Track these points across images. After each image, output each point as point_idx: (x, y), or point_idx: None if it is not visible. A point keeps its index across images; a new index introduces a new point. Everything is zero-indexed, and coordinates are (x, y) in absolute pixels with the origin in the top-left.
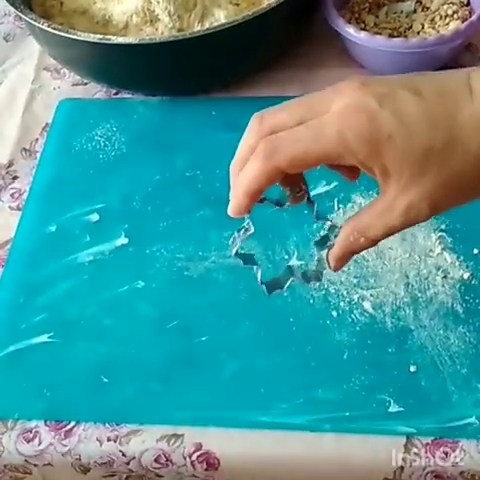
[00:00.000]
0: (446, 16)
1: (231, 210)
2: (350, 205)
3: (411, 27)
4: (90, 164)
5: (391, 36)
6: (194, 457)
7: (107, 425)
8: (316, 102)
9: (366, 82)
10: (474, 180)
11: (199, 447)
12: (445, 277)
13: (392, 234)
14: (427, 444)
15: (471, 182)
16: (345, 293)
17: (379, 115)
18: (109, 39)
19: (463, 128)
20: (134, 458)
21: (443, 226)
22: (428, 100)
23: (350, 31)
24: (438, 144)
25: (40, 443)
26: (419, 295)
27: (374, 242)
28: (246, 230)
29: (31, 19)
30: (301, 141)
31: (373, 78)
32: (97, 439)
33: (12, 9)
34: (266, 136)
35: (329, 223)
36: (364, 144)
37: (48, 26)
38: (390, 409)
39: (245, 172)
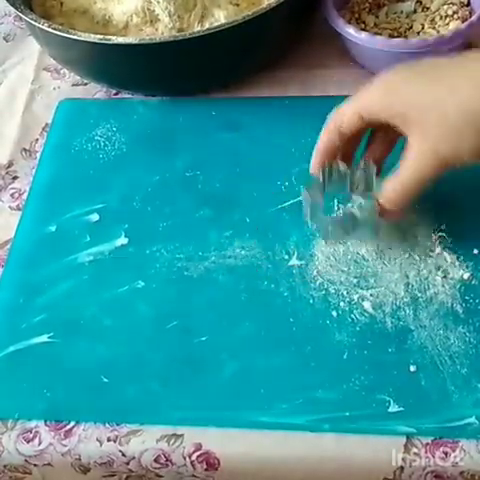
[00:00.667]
0: (446, 16)
1: (310, 169)
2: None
3: (411, 27)
4: (90, 164)
5: (391, 36)
6: (194, 457)
7: (107, 425)
8: None
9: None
10: (465, 125)
11: (199, 447)
12: (445, 277)
13: (417, 183)
14: (427, 444)
15: (463, 127)
16: (345, 293)
17: (398, 72)
18: (109, 39)
19: (455, 79)
20: (134, 458)
21: (443, 226)
22: (441, 61)
23: (350, 31)
24: (430, 88)
25: (40, 443)
26: (419, 295)
27: (408, 190)
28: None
29: (31, 19)
30: (352, 100)
31: None
32: (97, 439)
33: (12, 9)
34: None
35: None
36: (384, 93)
37: (48, 26)
38: (390, 409)
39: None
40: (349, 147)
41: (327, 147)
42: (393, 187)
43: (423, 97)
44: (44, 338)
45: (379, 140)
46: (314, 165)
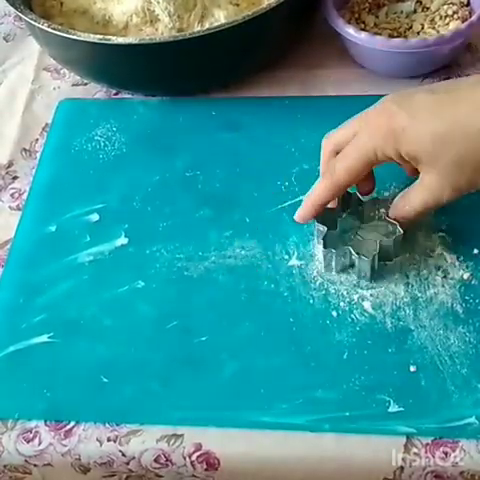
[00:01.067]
0: (446, 16)
1: (298, 217)
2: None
3: (411, 27)
4: (90, 164)
5: (391, 36)
6: (194, 457)
7: (107, 425)
8: (364, 115)
9: (397, 93)
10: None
11: (199, 447)
12: (445, 277)
13: (428, 209)
14: (427, 444)
15: (477, 161)
16: (345, 293)
17: (396, 114)
18: (109, 39)
19: (463, 114)
20: (134, 458)
21: (443, 226)
22: (437, 95)
23: (350, 31)
24: (440, 129)
25: (40, 443)
26: (419, 295)
27: (417, 213)
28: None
29: (31, 19)
30: (348, 156)
31: (406, 90)
32: (97, 439)
33: (12, 9)
34: (331, 153)
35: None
36: (386, 138)
37: (48, 26)
38: (390, 409)
39: (314, 189)
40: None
41: (325, 201)
42: (405, 209)
43: (431, 136)
44: (44, 338)
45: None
46: (307, 216)
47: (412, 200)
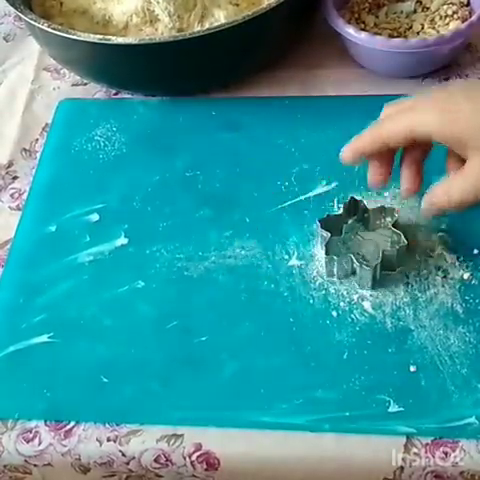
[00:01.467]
0: (446, 16)
1: (342, 155)
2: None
3: (411, 27)
4: (90, 164)
5: (391, 36)
6: (194, 457)
7: (107, 425)
8: (426, 93)
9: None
10: None
11: (199, 447)
12: (445, 277)
13: (470, 201)
14: (427, 444)
15: None
16: (345, 293)
17: (456, 95)
18: (109, 39)
19: None
20: (134, 458)
21: (443, 226)
22: None
23: (350, 31)
24: None
25: (40, 443)
26: (419, 295)
27: (454, 204)
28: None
29: (31, 19)
30: (401, 116)
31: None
32: (97, 439)
33: (12, 9)
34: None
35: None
36: (440, 116)
37: (48, 26)
38: (390, 409)
39: (357, 135)
40: (383, 158)
41: (362, 148)
42: (444, 199)
43: None
44: (44, 338)
45: (416, 163)
46: (346, 158)
47: (452, 189)
